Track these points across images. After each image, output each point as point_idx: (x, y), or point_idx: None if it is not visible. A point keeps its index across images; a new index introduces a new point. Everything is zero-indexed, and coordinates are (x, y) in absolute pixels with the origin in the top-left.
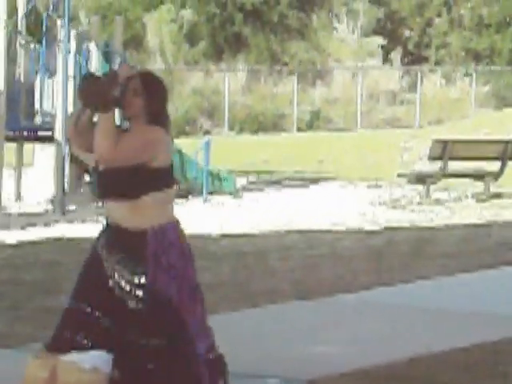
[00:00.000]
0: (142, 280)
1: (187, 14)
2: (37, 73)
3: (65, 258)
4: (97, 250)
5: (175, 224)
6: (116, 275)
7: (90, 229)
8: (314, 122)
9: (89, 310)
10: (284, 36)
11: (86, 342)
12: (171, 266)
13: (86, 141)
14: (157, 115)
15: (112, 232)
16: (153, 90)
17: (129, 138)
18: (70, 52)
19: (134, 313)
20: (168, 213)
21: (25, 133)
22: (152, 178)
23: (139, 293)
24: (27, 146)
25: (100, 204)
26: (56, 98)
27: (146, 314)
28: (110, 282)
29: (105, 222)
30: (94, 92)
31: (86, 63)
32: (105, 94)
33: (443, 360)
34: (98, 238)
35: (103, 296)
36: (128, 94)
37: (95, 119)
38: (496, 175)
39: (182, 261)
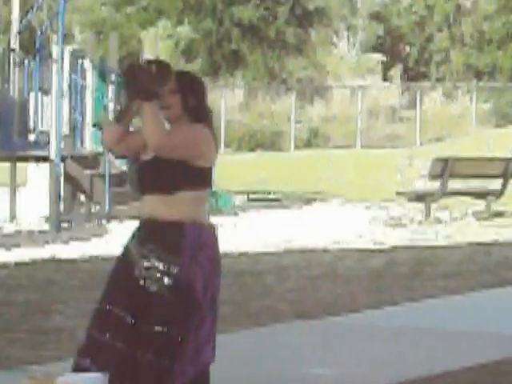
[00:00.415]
0: (175, 270)
1: (184, 30)
2: (31, 90)
3: (59, 278)
4: (128, 248)
5: (211, 227)
6: (146, 264)
7: (85, 248)
8: (312, 139)
9: (118, 311)
10: (282, 52)
11: (113, 342)
12: (202, 265)
13: (126, 141)
14: (196, 112)
15: (147, 225)
16: (188, 87)
17: (181, 130)
18: (64, 69)
19: (154, 297)
20: (203, 213)
21: (19, 151)
22: (193, 176)
23: (167, 280)
24: (21, 165)
25: (96, 222)
26: (50, 116)
27: (167, 301)
28: (141, 281)
29: (139, 220)
30: (141, 79)
31: (81, 80)
32: (151, 81)
33: (446, 380)
34: (131, 237)
35: (133, 297)
36: (165, 94)
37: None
38: (497, 194)
39: (210, 265)
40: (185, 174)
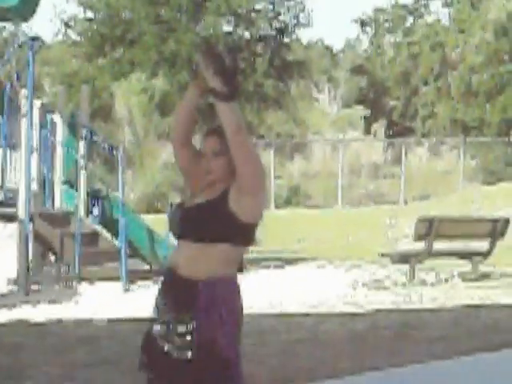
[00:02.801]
0: (189, 328)
1: (158, 83)
2: None
3: (28, 342)
4: (156, 305)
5: (233, 282)
6: (168, 326)
7: (55, 311)
8: (292, 197)
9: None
10: (260, 106)
11: None
12: (223, 321)
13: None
14: None
15: (168, 277)
16: None
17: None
18: (33, 124)
19: (178, 363)
20: (232, 270)
21: None
22: (236, 229)
23: (186, 341)
24: None
25: (66, 284)
26: (19, 172)
27: (191, 365)
28: (164, 347)
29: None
30: (223, 67)
31: (51, 135)
32: (234, 71)
33: None
34: (158, 292)
35: (160, 360)
36: (208, 156)
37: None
38: (484, 255)
39: (232, 319)
40: (230, 226)
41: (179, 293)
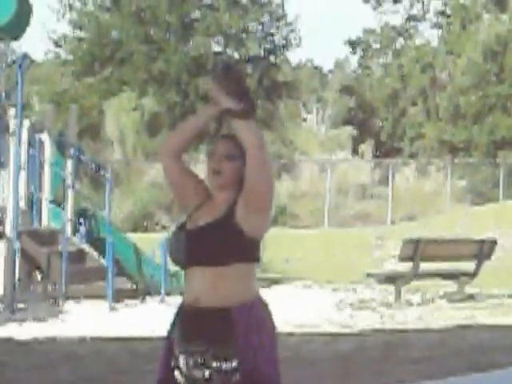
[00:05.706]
0: (234, 364)
1: (148, 102)
2: None
3: (14, 360)
4: (170, 341)
5: (261, 301)
6: (204, 370)
7: (41, 329)
8: (279, 217)
9: None
10: None
11: None
12: (262, 346)
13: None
14: None
15: (189, 316)
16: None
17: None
18: (21, 143)
19: None
20: (254, 288)
21: None
22: (246, 245)
23: (234, 378)
24: None
25: (52, 302)
26: (7, 190)
27: None
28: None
29: (180, 304)
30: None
31: (39, 154)
32: (248, 88)
33: None
34: (171, 326)
35: None
36: (217, 158)
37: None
38: (471, 276)
39: (270, 341)
40: (238, 243)
41: (213, 326)
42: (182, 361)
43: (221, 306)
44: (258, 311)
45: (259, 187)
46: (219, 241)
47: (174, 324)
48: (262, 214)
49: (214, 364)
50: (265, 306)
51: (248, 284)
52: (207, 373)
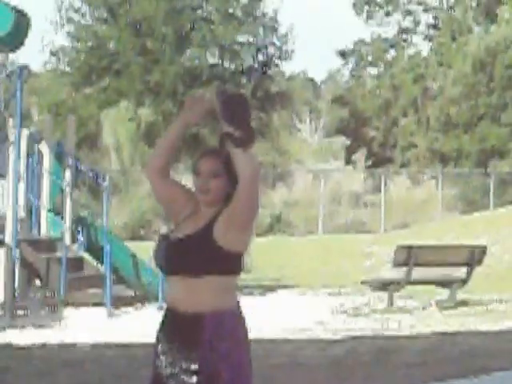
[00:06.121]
0: (195, 366)
1: (144, 112)
2: None
3: (13, 365)
4: (158, 343)
5: (235, 312)
6: (175, 367)
7: (40, 335)
8: (274, 225)
9: None
10: None
11: None
12: (229, 354)
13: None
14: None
15: (169, 316)
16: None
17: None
18: (21, 152)
19: None
20: (230, 299)
21: None
22: (223, 259)
23: (190, 381)
24: None
25: (51, 309)
26: (7, 199)
27: None
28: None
29: (165, 307)
30: (244, 115)
31: (38, 164)
32: (249, 118)
33: None
34: (159, 329)
35: None
36: (205, 176)
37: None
38: (462, 282)
39: (239, 350)
40: (213, 256)
41: (186, 330)
42: (162, 360)
43: (193, 313)
44: (230, 321)
45: (245, 215)
46: (195, 253)
47: (161, 325)
48: (243, 231)
49: (182, 364)
50: (239, 316)
51: (223, 295)
52: (175, 370)
